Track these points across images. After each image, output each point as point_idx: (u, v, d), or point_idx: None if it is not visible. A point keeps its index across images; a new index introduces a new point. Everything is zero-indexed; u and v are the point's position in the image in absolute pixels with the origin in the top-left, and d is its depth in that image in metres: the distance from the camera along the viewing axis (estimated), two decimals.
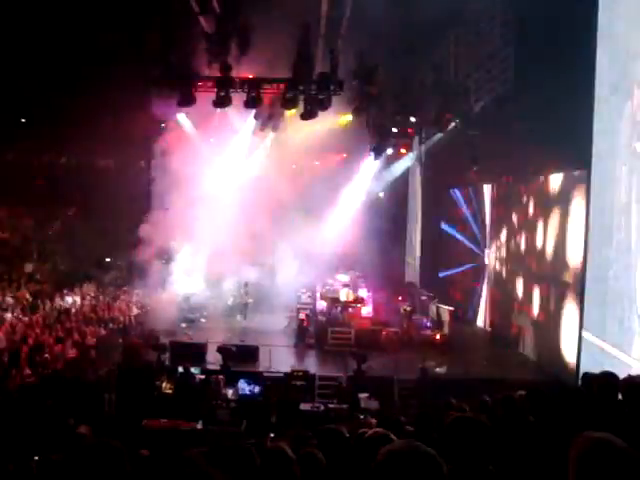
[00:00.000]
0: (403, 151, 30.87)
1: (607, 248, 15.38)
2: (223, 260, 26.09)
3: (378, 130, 24.05)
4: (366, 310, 25.31)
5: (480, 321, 26.83)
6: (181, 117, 25.73)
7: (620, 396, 5.86)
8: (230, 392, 17.98)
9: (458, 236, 29.63)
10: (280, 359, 20.03)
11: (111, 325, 23.79)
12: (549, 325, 20.04)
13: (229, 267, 26.67)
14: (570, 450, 2.21)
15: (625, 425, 4.54)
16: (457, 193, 29.92)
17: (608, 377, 5.95)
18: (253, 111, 24.00)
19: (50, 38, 22.68)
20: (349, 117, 24.80)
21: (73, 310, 24.77)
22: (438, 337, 22.91)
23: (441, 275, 31.09)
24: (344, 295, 25.72)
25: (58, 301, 25.74)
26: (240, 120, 26.53)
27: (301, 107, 21.48)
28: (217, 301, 26.87)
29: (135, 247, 26.73)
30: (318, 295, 26.72)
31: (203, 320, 25.88)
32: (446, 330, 23.69)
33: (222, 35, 19.45)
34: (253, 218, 26.51)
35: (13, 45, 23.36)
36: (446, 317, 24.61)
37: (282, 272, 27.58)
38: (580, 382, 7.60)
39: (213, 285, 27.22)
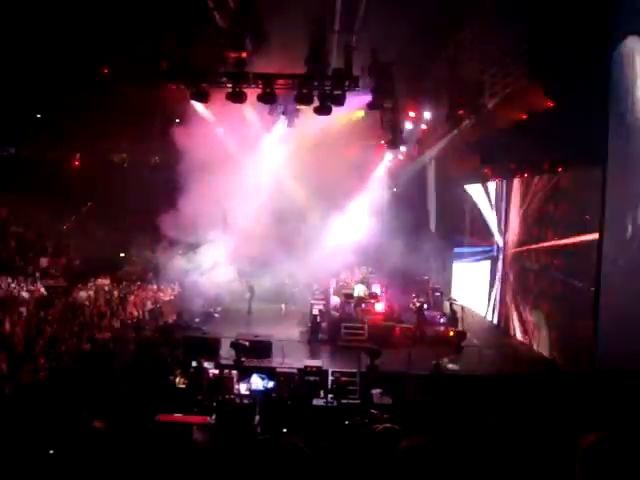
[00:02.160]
0: (417, 147, 30.76)
1: (622, 242, 15.31)
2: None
3: (392, 126, 23.99)
4: (379, 306, 25.29)
5: (494, 317, 26.75)
6: (199, 110, 25.74)
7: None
8: (243, 387, 18.03)
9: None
10: (293, 354, 20.04)
11: (126, 319, 23.91)
12: (563, 321, 19.95)
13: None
14: (579, 447, 2.20)
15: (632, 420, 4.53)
16: (472, 189, 29.84)
17: (615, 374, 5.93)
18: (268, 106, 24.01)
19: (64, 34, 22.75)
20: (361, 113, 24.87)
21: (87, 305, 24.91)
22: (452, 333, 22.84)
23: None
24: (358, 291, 25.74)
25: (73, 296, 25.88)
26: (256, 115, 26.62)
27: (316, 102, 21.45)
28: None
29: (152, 241, 26.93)
30: (332, 291, 26.74)
31: (217, 315, 25.98)
32: (460, 326, 23.65)
33: (236, 30, 19.45)
34: (270, 214, 26.73)
35: (28, 41, 23.46)
36: (460, 313, 24.56)
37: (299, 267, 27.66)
38: (593, 378, 7.59)
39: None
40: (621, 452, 2.09)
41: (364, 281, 27.42)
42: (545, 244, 21.64)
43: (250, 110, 25.91)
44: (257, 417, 16.48)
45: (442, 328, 23.64)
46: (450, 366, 19.85)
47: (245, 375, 18.45)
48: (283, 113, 25.63)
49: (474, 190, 29.49)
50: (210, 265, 27.19)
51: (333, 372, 19.03)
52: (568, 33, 16.33)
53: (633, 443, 2.13)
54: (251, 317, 25.50)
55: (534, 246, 22.66)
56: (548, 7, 17.75)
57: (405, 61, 21.65)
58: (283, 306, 26.77)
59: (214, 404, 16.98)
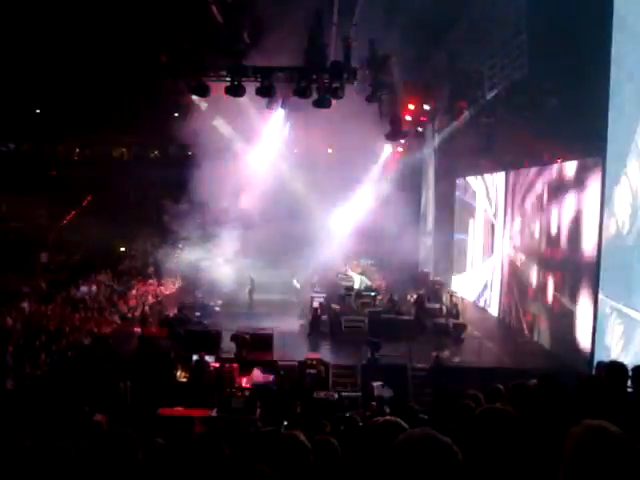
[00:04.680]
0: (417, 139, 30.74)
1: (624, 234, 15.30)
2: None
3: (391, 119, 23.95)
4: (380, 298, 25.32)
5: (494, 309, 26.76)
6: (198, 103, 25.69)
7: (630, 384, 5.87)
8: (244, 380, 18.07)
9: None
10: (294, 348, 20.08)
11: (126, 314, 23.94)
12: (563, 313, 19.97)
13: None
14: (566, 439, 2.20)
15: (633, 413, 4.54)
16: (470, 181, 29.83)
17: (616, 366, 5.93)
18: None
19: (63, 29, 22.72)
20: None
21: (88, 299, 24.94)
22: (452, 325, 22.86)
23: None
24: (358, 283, 25.76)
25: (73, 290, 25.91)
26: (255, 108, 26.59)
27: (314, 95, 21.40)
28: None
29: (152, 235, 26.96)
30: (333, 283, 26.77)
31: (217, 309, 26.01)
32: (460, 318, 23.66)
33: (234, 24, 19.41)
34: (270, 206, 26.77)
35: (28, 36, 23.43)
36: (460, 305, 24.57)
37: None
38: (594, 370, 7.59)
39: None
40: (610, 442, 2.09)
41: (364, 273, 27.44)
42: (545, 236, 21.62)
43: (249, 102, 25.88)
44: (258, 410, 16.53)
45: (442, 320, 23.65)
46: (451, 358, 19.87)
47: (246, 368, 18.50)
48: (282, 106, 25.59)
49: (473, 182, 29.48)
50: (212, 259, 27.22)
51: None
52: (568, 21, 16.28)
53: (622, 432, 2.13)
54: (252, 310, 25.50)
55: (534, 237, 22.65)
56: None
57: (404, 53, 21.59)
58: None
59: (215, 398, 17.02)
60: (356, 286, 25.63)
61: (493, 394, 7.28)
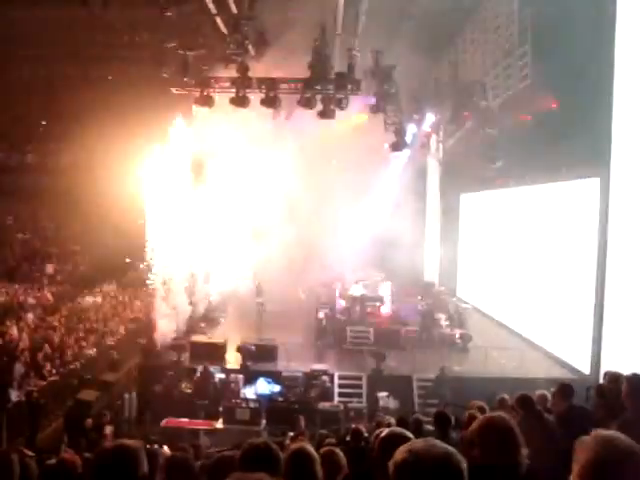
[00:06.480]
0: (421, 150, 30.74)
1: (630, 245, 15.31)
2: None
3: (396, 129, 23.98)
4: (385, 308, 25.27)
5: (500, 318, 26.66)
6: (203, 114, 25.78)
7: None
8: (249, 391, 18.04)
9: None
10: (299, 358, 20.02)
11: (131, 325, 23.95)
12: (568, 323, 19.91)
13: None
14: (577, 448, 2.20)
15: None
16: (474, 194, 29.80)
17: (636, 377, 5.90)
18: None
19: (72, 37, 22.87)
20: (365, 117, 24.89)
21: (93, 310, 24.96)
22: (458, 335, 22.79)
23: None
24: (355, 291, 25.60)
25: (79, 302, 25.95)
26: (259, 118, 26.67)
27: (319, 106, 21.45)
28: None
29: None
30: (337, 294, 26.71)
31: (222, 320, 25.96)
32: (466, 328, 23.59)
33: (239, 35, 19.49)
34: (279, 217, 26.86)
35: (34, 45, 23.58)
36: (466, 315, 24.49)
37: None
38: (603, 380, 7.56)
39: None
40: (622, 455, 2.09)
41: (366, 283, 27.31)
42: (548, 247, 21.58)
43: (254, 112, 25.98)
44: (263, 421, 16.50)
45: (448, 330, 23.59)
46: (456, 369, 19.80)
47: (251, 379, 18.47)
48: (286, 117, 25.65)
49: (477, 194, 29.45)
50: (218, 269, 27.17)
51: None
52: (571, 32, 16.32)
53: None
54: (257, 321, 25.37)
55: (537, 249, 22.60)
56: (550, 8, 17.76)
57: (407, 63, 21.66)
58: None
59: (220, 409, 16.99)
60: (355, 293, 25.49)
61: (499, 404, 7.26)
